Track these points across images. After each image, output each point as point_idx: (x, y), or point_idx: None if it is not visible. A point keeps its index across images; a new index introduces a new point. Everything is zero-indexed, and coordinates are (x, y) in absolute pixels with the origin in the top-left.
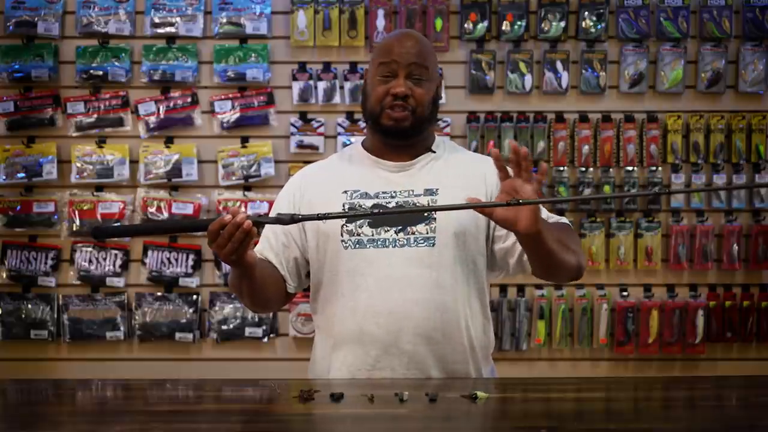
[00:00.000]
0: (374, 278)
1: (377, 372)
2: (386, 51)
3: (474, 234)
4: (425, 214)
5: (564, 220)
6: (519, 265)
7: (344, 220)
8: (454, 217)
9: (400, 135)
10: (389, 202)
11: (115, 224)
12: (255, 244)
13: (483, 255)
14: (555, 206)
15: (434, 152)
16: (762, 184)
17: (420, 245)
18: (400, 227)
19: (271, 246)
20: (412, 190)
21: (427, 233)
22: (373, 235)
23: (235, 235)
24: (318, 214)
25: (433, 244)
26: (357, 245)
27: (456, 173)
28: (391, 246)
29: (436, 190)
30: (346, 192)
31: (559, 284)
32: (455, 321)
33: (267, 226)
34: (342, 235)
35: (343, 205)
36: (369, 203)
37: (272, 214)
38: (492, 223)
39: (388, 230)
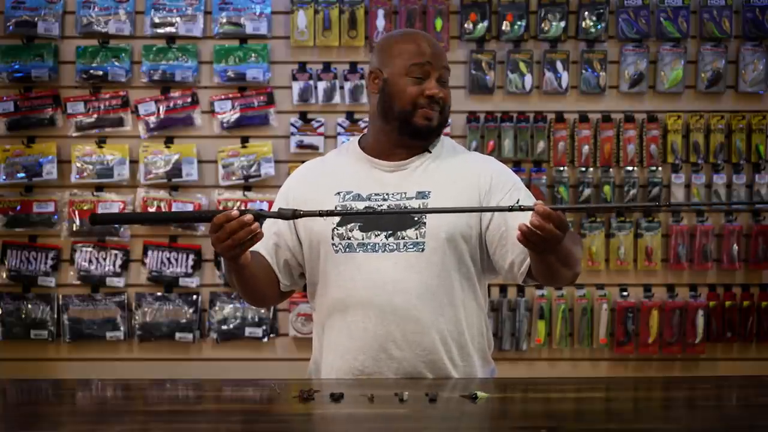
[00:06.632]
0: (363, 283)
1: (366, 378)
2: (419, 52)
3: (467, 237)
4: (415, 218)
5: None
6: (510, 272)
7: (336, 222)
8: (444, 221)
9: (429, 135)
10: (381, 205)
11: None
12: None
13: (477, 257)
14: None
15: (430, 152)
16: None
17: (409, 250)
18: (390, 232)
19: (264, 244)
20: (405, 193)
21: (417, 238)
22: (363, 239)
23: (239, 233)
24: (320, 211)
25: (423, 250)
26: (347, 249)
27: (450, 175)
28: (380, 251)
29: (428, 192)
30: (338, 194)
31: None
32: (446, 327)
33: (263, 225)
34: (333, 238)
35: (335, 207)
36: (361, 205)
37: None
38: (485, 225)
39: (378, 234)
